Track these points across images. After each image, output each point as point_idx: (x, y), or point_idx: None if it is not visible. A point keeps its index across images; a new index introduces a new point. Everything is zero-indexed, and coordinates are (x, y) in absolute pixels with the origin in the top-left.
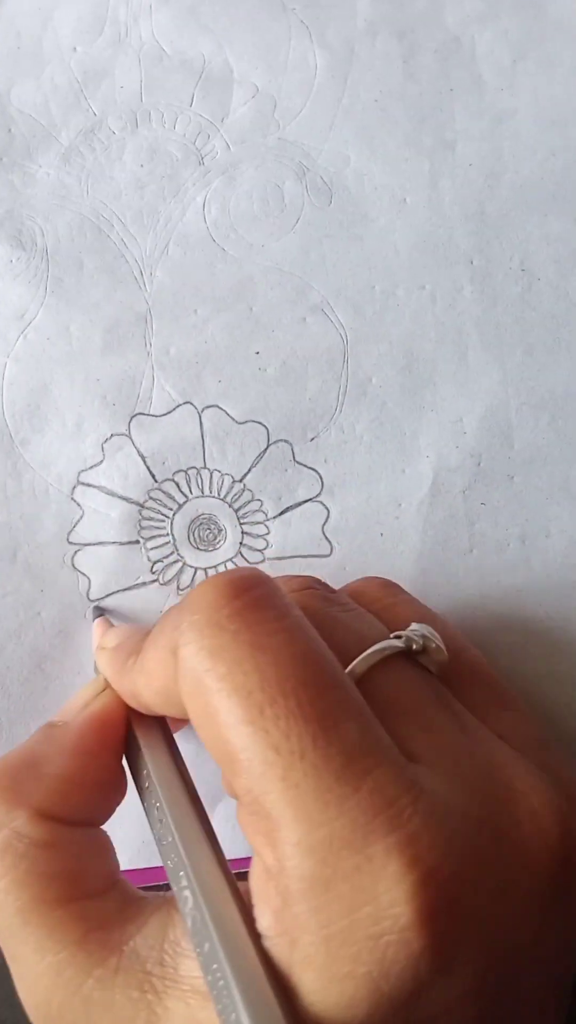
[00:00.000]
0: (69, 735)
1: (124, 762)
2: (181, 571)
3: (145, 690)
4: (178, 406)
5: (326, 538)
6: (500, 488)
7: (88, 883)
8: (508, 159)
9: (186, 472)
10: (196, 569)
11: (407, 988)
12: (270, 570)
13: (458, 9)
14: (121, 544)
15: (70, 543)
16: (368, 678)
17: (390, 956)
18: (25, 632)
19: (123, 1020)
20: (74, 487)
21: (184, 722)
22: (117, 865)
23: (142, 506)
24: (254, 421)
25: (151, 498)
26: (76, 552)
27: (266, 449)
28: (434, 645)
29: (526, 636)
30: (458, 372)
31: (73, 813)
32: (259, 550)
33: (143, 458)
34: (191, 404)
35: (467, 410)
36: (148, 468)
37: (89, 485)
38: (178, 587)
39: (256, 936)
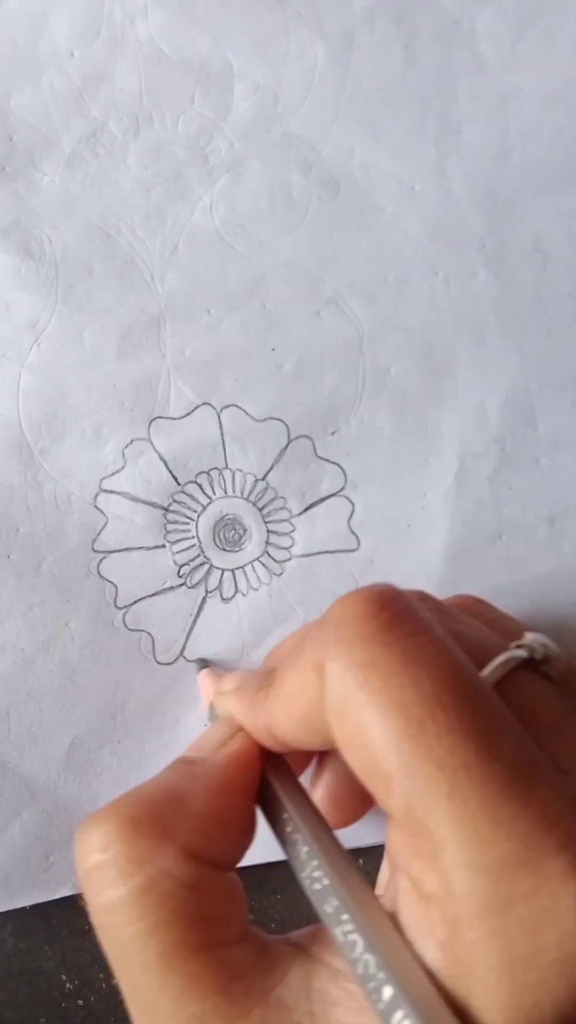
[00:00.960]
0: (213, 772)
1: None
2: (208, 573)
3: (283, 720)
4: (196, 407)
5: (352, 532)
6: (526, 472)
7: (228, 929)
8: (515, 139)
9: (208, 473)
10: (223, 571)
11: None
12: (298, 568)
13: None
14: (147, 549)
15: (95, 551)
16: (497, 690)
17: None
18: (54, 644)
19: None
20: (96, 495)
21: (306, 763)
22: (247, 912)
23: (166, 510)
24: (273, 418)
25: (175, 501)
26: (101, 560)
27: (287, 446)
28: (555, 653)
29: (560, 620)
30: (477, 357)
31: (216, 854)
32: (285, 548)
33: (165, 462)
34: (209, 405)
35: (488, 395)
36: (170, 471)
37: (112, 492)
38: (206, 589)
39: (429, 973)
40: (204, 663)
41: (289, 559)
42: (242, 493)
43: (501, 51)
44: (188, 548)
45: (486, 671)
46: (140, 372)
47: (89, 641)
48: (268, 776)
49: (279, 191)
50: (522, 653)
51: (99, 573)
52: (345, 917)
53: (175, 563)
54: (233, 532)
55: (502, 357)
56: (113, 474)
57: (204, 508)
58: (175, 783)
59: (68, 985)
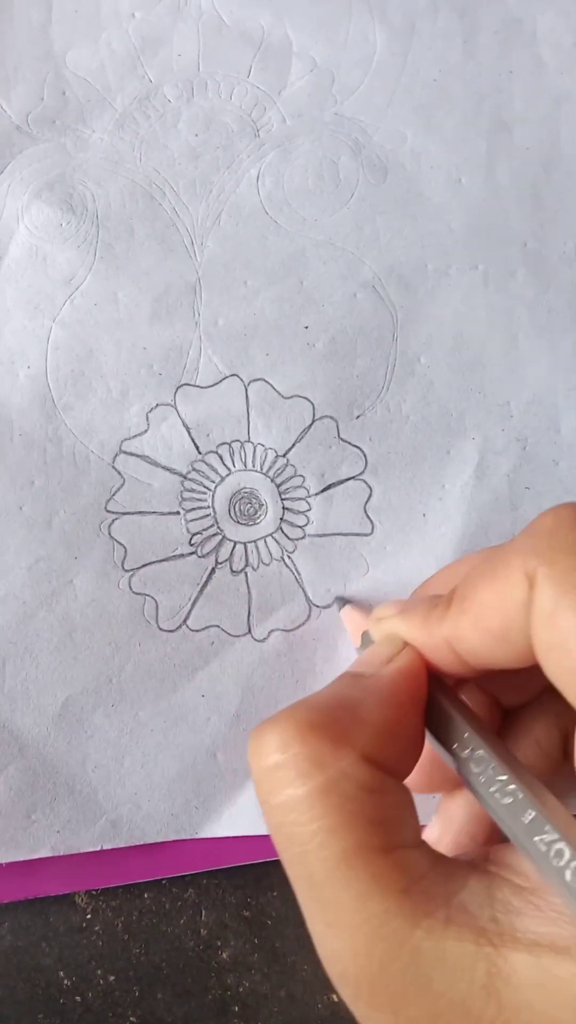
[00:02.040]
0: (384, 684)
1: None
2: (220, 544)
3: (472, 632)
4: (225, 378)
5: (368, 517)
6: (545, 473)
7: (405, 834)
8: (565, 143)
9: (230, 445)
10: (235, 543)
11: None
12: (310, 547)
13: None
14: (161, 514)
15: (108, 511)
16: None
17: None
18: (57, 600)
19: (458, 971)
20: (116, 455)
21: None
22: (419, 822)
23: (184, 477)
24: (300, 396)
25: (194, 469)
26: (114, 520)
27: (311, 425)
28: None
29: None
30: (508, 355)
31: (391, 762)
32: (300, 526)
33: (188, 429)
34: (238, 377)
35: (515, 393)
36: (192, 439)
37: (131, 454)
38: (216, 560)
39: None
40: (344, 601)
41: (302, 537)
42: (262, 468)
43: (560, 54)
44: (202, 517)
45: None
46: (171, 337)
47: (92, 600)
48: (437, 695)
49: (327, 171)
50: None
51: (109, 533)
52: (547, 827)
53: (188, 531)
54: (249, 506)
55: (532, 357)
56: (135, 436)
57: (223, 479)
58: (348, 693)
59: (66, 982)
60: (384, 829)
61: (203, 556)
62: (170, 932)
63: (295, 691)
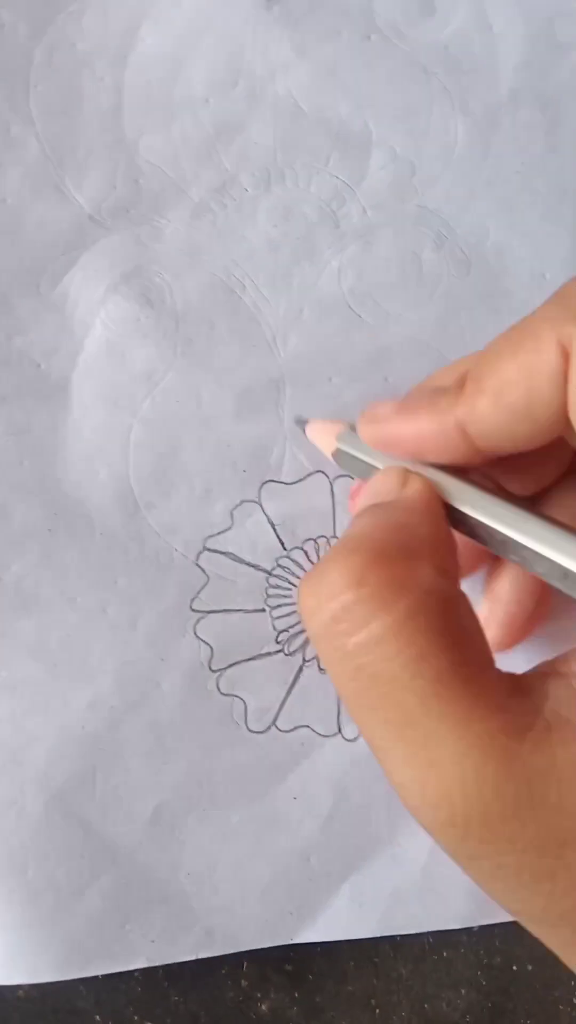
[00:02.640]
0: (420, 500)
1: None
2: (307, 642)
3: (490, 413)
4: (310, 474)
5: None
6: None
7: (485, 649)
8: None
9: (316, 541)
10: None
11: None
12: None
13: None
14: (246, 612)
15: (193, 610)
16: None
17: None
18: (145, 704)
19: (569, 781)
20: (200, 553)
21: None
22: None
23: (269, 574)
24: None
25: (279, 566)
26: (199, 620)
27: None
28: None
29: None
30: None
31: (453, 572)
32: None
33: (273, 526)
34: (323, 473)
35: None
36: (278, 536)
37: (216, 551)
38: (304, 658)
39: None
40: (303, 420)
41: None
42: None
43: None
44: (289, 614)
45: None
46: (256, 435)
47: (181, 703)
48: (454, 489)
49: (410, 264)
50: None
51: (195, 633)
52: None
53: (274, 628)
54: None
55: None
56: (219, 533)
57: None
58: (393, 518)
59: None
60: (470, 646)
61: (290, 654)
62: (211, 981)
63: (389, 791)
